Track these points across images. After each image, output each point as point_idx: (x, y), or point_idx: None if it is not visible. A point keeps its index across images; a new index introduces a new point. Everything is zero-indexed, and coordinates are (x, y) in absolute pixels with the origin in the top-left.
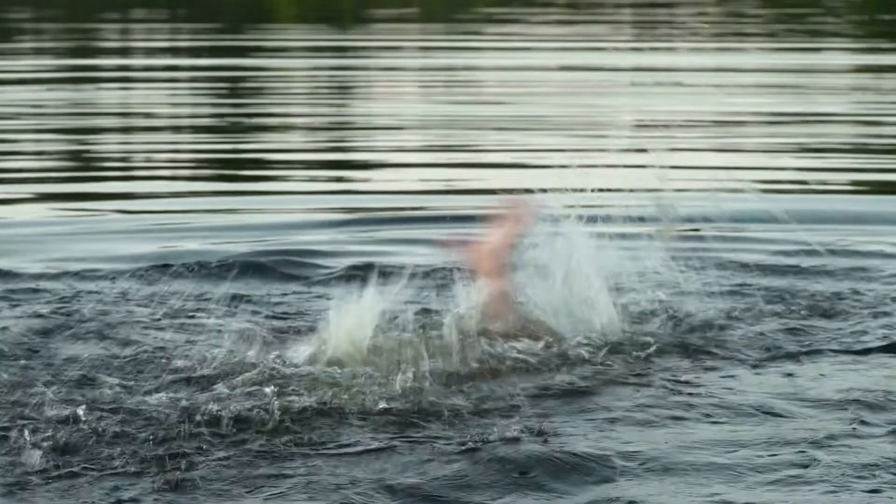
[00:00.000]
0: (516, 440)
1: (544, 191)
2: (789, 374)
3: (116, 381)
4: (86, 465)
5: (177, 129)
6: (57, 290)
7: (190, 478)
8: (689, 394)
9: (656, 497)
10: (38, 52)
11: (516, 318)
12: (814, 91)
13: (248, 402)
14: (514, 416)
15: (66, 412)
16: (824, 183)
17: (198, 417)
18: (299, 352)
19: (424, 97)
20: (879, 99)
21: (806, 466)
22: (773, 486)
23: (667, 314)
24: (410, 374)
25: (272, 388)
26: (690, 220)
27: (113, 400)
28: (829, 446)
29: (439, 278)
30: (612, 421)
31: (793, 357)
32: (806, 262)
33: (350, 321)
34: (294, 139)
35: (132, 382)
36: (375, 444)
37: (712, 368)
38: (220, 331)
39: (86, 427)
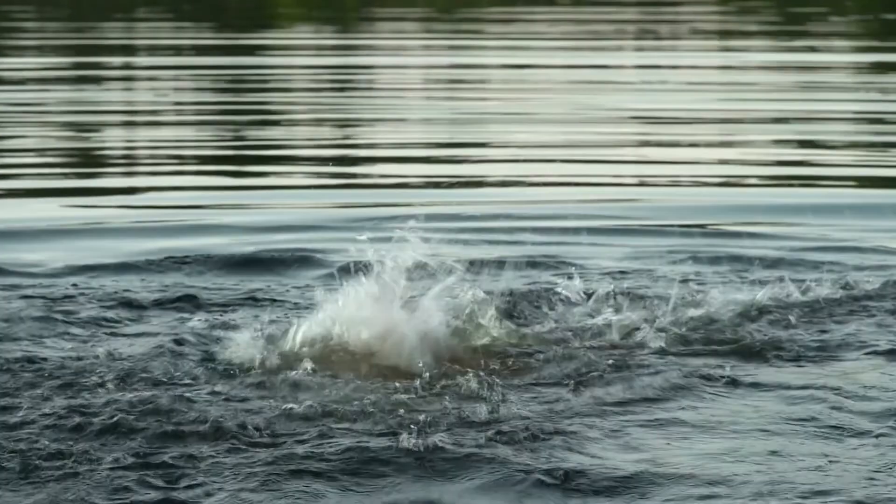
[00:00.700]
0: (532, 448)
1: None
2: (808, 373)
3: (115, 377)
4: (86, 463)
5: (180, 127)
6: (60, 285)
7: (195, 477)
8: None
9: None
10: (42, 50)
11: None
12: (817, 89)
13: (247, 403)
14: (526, 417)
15: (66, 411)
16: (828, 179)
17: (199, 416)
18: (299, 344)
19: (427, 97)
20: (883, 97)
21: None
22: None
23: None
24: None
25: (276, 387)
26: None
27: (111, 397)
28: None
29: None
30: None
31: (814, 356)
32: (811, 260)
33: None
34: (297, 138)
35: (135, 379)
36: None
37: (737, 366)
38: (222, 327)
39: (84, 425)
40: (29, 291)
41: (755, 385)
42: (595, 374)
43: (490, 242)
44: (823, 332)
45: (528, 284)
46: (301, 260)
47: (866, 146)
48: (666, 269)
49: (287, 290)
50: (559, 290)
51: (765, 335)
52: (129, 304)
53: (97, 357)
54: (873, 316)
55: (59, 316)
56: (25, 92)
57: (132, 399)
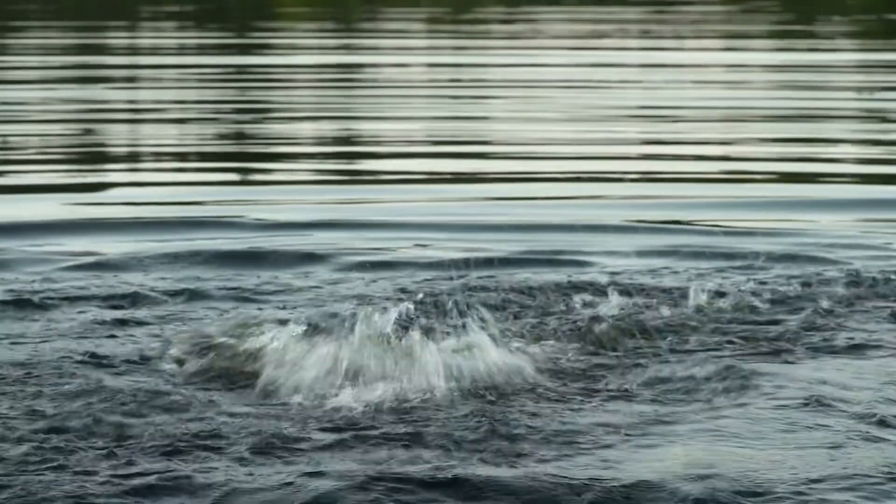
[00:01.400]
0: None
1: None
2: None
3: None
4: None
5: (183, 126)
6: (67, 280)
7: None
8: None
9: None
10: (46, 49)
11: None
12: (820, 88)
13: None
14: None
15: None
16: (832, 176)
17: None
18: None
19: (431, 97)
20: (885, 96)
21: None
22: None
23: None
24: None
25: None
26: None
27: (116, 392)
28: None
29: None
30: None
31: (816, 351)
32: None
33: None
34: (302, 136)
35: (140, 375)
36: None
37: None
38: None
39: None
40: (33, 286)
41: (773, 382)
42: (616, 375)
43: (492, 241)
44: (841, 328)
45: (537, 281)
46: (306, 256)
47: (872, 143)
48: (672, 266)
49: (295, 287)
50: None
51: (773, 332)
52: (127, 301)
53: (101, 352)
54: (883, 312)
55: (62, 311)
56: (28, 91)
57: (140, 394)
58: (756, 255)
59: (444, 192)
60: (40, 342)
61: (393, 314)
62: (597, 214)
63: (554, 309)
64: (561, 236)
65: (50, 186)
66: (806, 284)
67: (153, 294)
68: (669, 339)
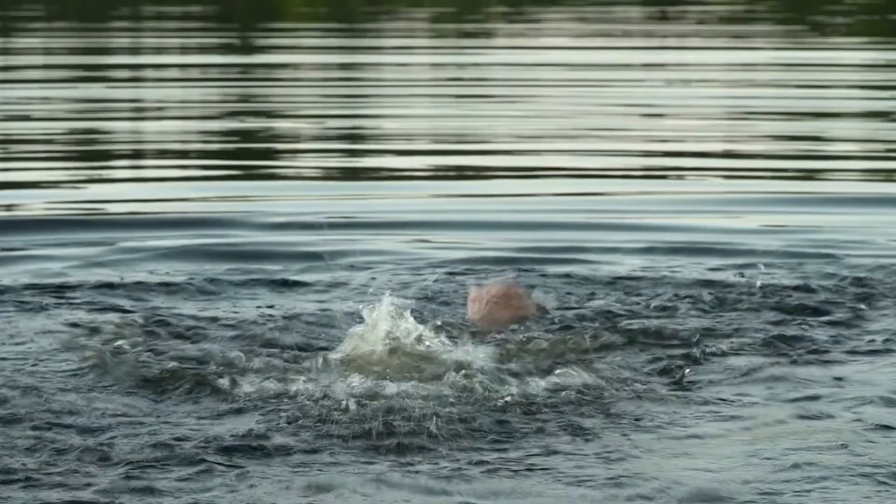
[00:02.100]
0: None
1: None
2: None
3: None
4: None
5: (186, 126)
6: (75, 275)
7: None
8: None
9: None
10: (49, 49)
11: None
12: (824, 86)
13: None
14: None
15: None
16: (837, 173)
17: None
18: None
19: (434, 96)
20: (889, 95)
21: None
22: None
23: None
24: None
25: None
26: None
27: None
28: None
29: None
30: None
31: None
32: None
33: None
34: (305, 135)
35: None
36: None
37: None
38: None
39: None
40: (43, 280)
41: (773, 380)
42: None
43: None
44: (844, 326)
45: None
46: (310, 253)
47: (874, 141)
48: (677, 264)
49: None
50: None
51: (773, 332)
52: (130, 297)
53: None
54: (886, 309)
55: (70, 306)
56: (32, 90)
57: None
58: (761, 252)
59: (446, 189)
60: (49, 335)
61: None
62: (599, 209)
63: (563, 303)
64: (564, 234)
65: (57, 182)
66: (810, 283)
67: (155, 291)
68: (679, 338)
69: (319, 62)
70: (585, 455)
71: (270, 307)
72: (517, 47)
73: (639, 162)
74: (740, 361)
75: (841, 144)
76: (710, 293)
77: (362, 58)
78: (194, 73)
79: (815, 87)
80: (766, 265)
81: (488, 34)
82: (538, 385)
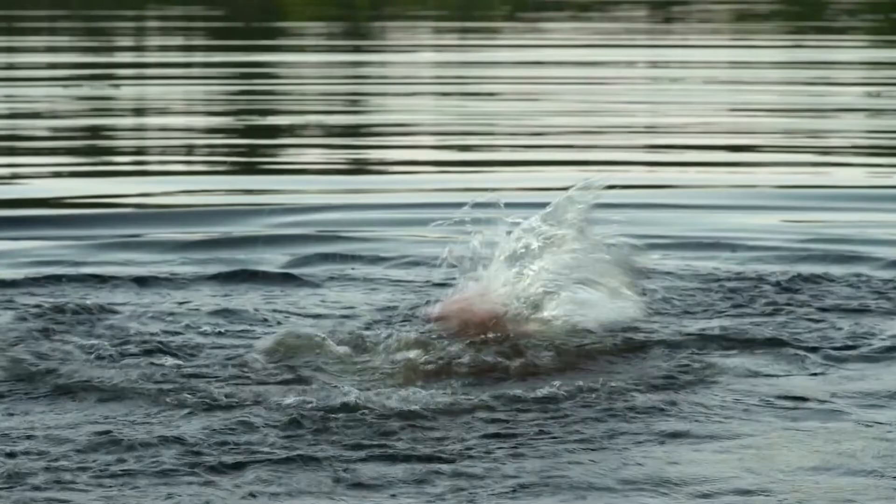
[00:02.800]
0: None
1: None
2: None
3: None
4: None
5: (190, 125)
6: (89, 269)
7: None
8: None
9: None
10: (54, 48)
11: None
12: (827, 85)
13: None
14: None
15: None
16: (838, 174)
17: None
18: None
19: (438, 95)
20: (891, 93)
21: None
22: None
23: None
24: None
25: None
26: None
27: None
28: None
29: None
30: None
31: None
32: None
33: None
34: (308, 135)
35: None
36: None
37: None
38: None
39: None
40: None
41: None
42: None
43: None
44: (853, 325)
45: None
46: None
47: (877, 139)
48: (686, 263)
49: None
50: None
51: (778, 330)
52: (135, 296)
53: (122, 344)
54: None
55: (79, 302)
56: (37, 89)
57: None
58: (763, 251)
59: (450, 183)
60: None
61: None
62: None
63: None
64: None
65: (63, 182)
66: (813, 281)
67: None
68: (682, 335)
69: (325, 60)
70: (595, 462)
71: (269, 303)
72: (523, 46)
73: (644, 157)
74: (754, 362)
75: (859, 139)
76: (721, 291)
77: (365, 57)
78: (211, 72)
79: (819, 85)
80: (778, 262)
81: (494, 32)
82: (554, 385)
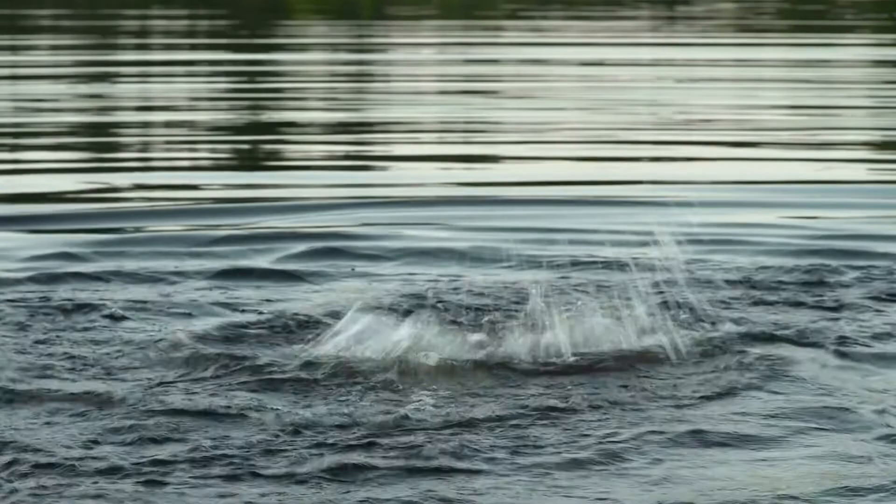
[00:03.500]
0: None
1: None
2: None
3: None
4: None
5: (194, 124)
6: (92, 266)
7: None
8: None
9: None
10: (58, 47)
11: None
12: (830, 85)
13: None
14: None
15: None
16: (843, 172)
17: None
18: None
19: (441, 94)
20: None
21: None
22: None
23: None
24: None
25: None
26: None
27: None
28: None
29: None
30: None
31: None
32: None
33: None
34: (311, 134)
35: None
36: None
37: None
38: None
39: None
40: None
41: (792, 376)
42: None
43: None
44: (868, 321)
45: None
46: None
47: (881, 137)
48: (693, 259)
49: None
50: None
51: (792, 326)
52: (137, 295)
53: (126, 341)
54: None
55: (88, 299)
56: (41, 87)
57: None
58: (771, 250)
59: (456, 178)
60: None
61: None
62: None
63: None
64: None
65: (69, 180)
66: (817, 279)
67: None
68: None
69: (329, 59)
70: (628, 460)
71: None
72: (527, 44)
73: (649, 153)
74: (781, 362)
75: (869, 135)
76: (734, 288)
77: (369, 56)
78: (212, 70)
79: (822, 84)
80: (787, 259)
81: (498, 29)
82: (575, 383)
